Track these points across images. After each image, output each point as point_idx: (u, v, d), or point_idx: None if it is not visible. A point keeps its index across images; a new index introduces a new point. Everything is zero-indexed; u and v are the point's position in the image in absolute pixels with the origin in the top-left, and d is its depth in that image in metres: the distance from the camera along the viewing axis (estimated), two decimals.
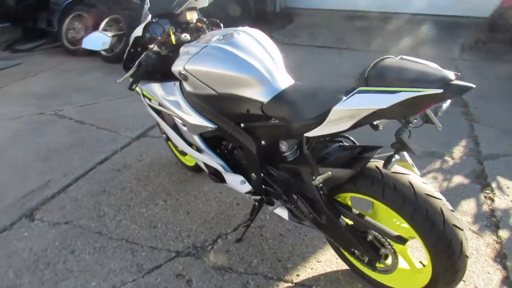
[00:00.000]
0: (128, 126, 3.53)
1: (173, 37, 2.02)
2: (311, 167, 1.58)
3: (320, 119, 1.44)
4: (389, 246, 1.60)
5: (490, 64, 5.08)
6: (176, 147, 2.70)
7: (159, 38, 2.02)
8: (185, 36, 2.07)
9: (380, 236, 1.61)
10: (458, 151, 3.05)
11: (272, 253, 2.11)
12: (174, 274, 1.98)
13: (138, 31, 2.08)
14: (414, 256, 1.80)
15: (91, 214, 2.42)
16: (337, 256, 2.04)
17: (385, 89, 1.24)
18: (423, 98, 1.18)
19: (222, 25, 2.27)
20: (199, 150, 2.12)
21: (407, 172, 1.53)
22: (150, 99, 2.20)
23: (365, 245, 1.65)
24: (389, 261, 1.67)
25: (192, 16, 2.14)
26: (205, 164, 2.15)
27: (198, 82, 1.81)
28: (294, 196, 1.83)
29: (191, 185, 2.70)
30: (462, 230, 1.45)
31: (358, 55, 5.60)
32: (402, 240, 1.53)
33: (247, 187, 1.99)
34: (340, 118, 1.36)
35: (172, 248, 2.15)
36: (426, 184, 1.49)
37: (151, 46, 2.07)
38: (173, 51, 2.05)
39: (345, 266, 2.00)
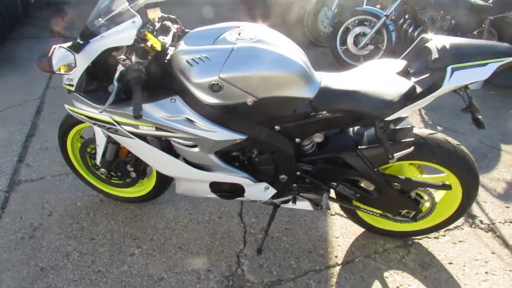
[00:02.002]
0: None
1: (157, 42, 1.60)
2: (385, 148, 1.68)
3: (403, 102, 1.55)
4: (431, 195, 1.90)
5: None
6: (106, 180, 2.15)
7: (142, 45, 1.57)
8: (163, 39, 1.68)
9: (423, 190, 1.89)
10: None
11: (298, 248, 2.09)
12: None
13: (125, 38, 1.51)
14: None
15: None
16: (346, 227, 2.23)
17: (474, 64, 1.48)
18: (503, 65, 1.48)
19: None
20: (208, 170, 1.81)
21: (434, 131, 1.84)
22: (137, 126, 1.67)
23: (412, 202, 1.89)
24: (426, 205, 1.97)
25: (155, 14, 1.72)
26: (215, 184, 1.87)
27: (235, 91, 1.55)
28: (333, 183, 1.88)
29: (148, 218, 2.23)
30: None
31: None
32: (447, 187, 1.85)
33: (272, 191, 1.89)
34: (435, 96, 1.51)
35: None
36: (449, 136, 1.85)
37: (122, 57, 1.57)
38: (155, 61, 1.63)
39: (358, 232, 2.21)
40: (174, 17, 1.90)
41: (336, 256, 2.05)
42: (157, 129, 1.67)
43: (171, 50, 1.71)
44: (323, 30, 5.51)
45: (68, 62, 1.48)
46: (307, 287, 1.87)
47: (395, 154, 1.68)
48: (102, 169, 2.06)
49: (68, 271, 1.88)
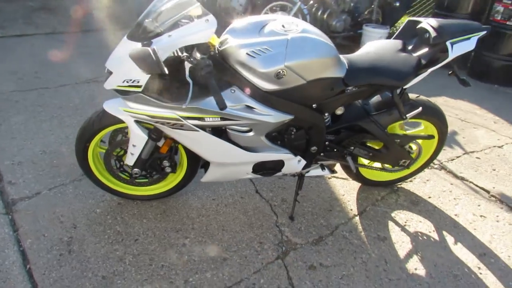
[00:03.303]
0: None
1: (214, 38, 1.72)
2: (400, 111, 2.08)
3: (415, 72, 1.97)
4: (419, 145, 2.40)
5: None
6: (137, 179, 2.16)
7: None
8: None
9: (414, 142, 2.37)
10: None
11: (319, 209, 2.41)
12: (306, 266, 1.98)
13: (201, 37, 1.55)
14: None
15: None
16: (345, 185, 2.64)
17: (463, 38, 1.96)
18: (480, 37, 2.00)
19: None
20: (257, 151, 1.99)
21: (417, 94, 2.32)
22: (202, 119, 1.74)
23: (407, 153, 2.36)
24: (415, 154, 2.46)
25: (197, 11, 1.79)
26: (258, 164, 2.05)
27: (293, 76, 1.76)
28: (351, 148, 2.23)
29: (177, 210, 2.30)
30: None
31: (85, 37, 5.13)
32: (431, 136, 2.36)
33: (303, 163, 2.16)
34: (442, 64, 1.96)
35: (267, 260, 2.02)
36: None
37: (186, 54, 1.65)
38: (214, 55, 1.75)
39: (356, 187, 2.63)
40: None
41: (351, 209, 2.43)
42: (222, 119, 1.78)
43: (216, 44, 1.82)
44: (235, 17, 5.76)
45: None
46: (344, 237, 2.21)
47: (407, 115, 2.11)
48: (136, 169, 2.05)
49: (132, 273, 1.88)
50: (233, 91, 1.78)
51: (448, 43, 1.95)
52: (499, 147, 3.32)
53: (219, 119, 1.79)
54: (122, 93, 1.72)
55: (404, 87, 2.02)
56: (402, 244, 2.19)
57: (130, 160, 2.03)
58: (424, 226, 2.34)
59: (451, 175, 2.86)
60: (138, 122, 1.91)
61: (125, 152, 2.09)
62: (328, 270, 1.99)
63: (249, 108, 1.80)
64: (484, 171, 2.95)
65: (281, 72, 1.73)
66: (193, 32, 1.60)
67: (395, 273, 2.01)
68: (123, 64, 1.66)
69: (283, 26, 1.83)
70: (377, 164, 2.48)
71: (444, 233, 2.30)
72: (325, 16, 5.26)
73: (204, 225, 2.21)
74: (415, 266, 2.06)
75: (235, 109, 1.78)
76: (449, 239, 2.25)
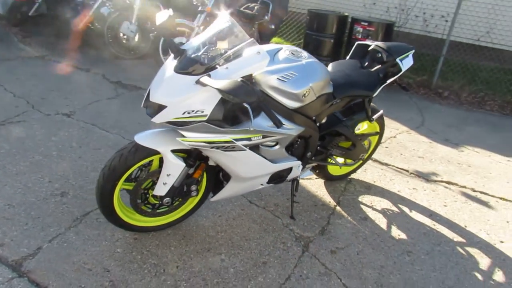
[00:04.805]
0: None
1: None
2: (368, 115, 2.63)
3: (381, 82, 2.55)
4: (370, 140, 3.01)
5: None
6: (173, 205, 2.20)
7: None
8: None
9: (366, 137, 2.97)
10: None
11: (308, 206, 2.80)
12: (328, 252, 2.34)
13: (257, 68, 1.73)
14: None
15: None
16: (313, 184, 3.10)
17: (405, 55, 2.62)
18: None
19: None
20: (276, 162, 2.26)
21: None
22: (249, 139, 1.92)
23: (365, 148, 2.94)
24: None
25: (224, 45, 1.99)
26: (275, 174, 2.33)
27: (311, 94, 2.12)
28: (330, 149, 2.70)
29: (195, 233, 2.38)
30: None
31: None
32: (378, 133, 3.00)
33: (301, 167, 2.53)
34: (397, 77, 2.57)
35: (297, 254, 2.31)
36: None
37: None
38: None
39: (321, 184, 3.11)
40: None
41: (329, 202, 2.89)
42: (263, 136, 2.02)
43: None
44: (124, 44, 5.73)
45: None
46: (339, 224, 2.65)
47: (373, 117, 2.68)
48: (167, 198, 2.10)
49: None
50: None
51: (398, 60, 2.60)
52: (394, 137, 4.25)
53: (261, 137, 2.02)
54: (179, 124, 1.81)
55: (374, 95, 2.59)
56: (379, 220, 2.75)
57: (161, 190, 2.06)
58: (384, 203, 2.96)
59: (378, 163, 3.59)
60: (173, 151, 1.99)
61: (153, 183, 2.11)
62: (345, 250, 2.40)
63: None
64: (396, 156, 3.79)
65: (307, 91, 2.08)
66: (249, 64, 1.82)
67: (388, 241, 2.54)
68: (185, 97, 1.77)
69: (292, 53, 2.18)
70: (340, 160, 3.01)
71: (400, 205, 2.96)
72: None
73: (228, 240, 2.36)
74: (397, 233, 2.63)
75: (272, 127, 2.04)
76: (405, 209, 2.92)
